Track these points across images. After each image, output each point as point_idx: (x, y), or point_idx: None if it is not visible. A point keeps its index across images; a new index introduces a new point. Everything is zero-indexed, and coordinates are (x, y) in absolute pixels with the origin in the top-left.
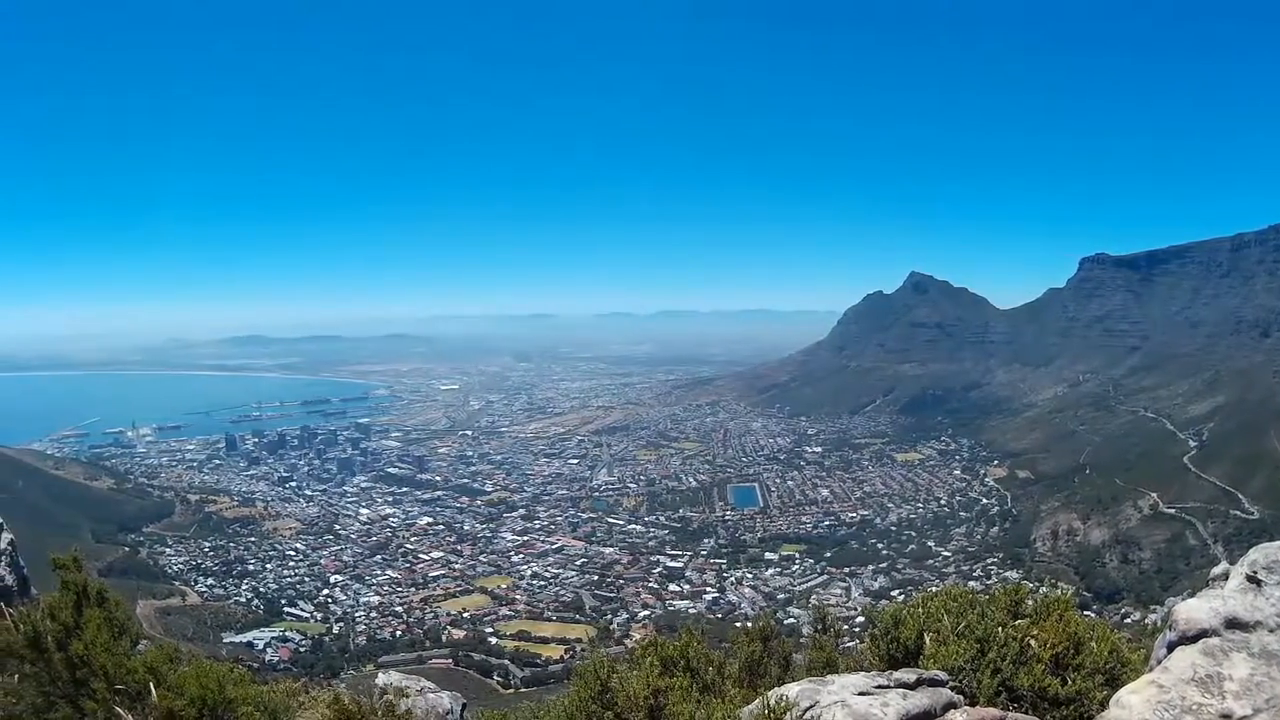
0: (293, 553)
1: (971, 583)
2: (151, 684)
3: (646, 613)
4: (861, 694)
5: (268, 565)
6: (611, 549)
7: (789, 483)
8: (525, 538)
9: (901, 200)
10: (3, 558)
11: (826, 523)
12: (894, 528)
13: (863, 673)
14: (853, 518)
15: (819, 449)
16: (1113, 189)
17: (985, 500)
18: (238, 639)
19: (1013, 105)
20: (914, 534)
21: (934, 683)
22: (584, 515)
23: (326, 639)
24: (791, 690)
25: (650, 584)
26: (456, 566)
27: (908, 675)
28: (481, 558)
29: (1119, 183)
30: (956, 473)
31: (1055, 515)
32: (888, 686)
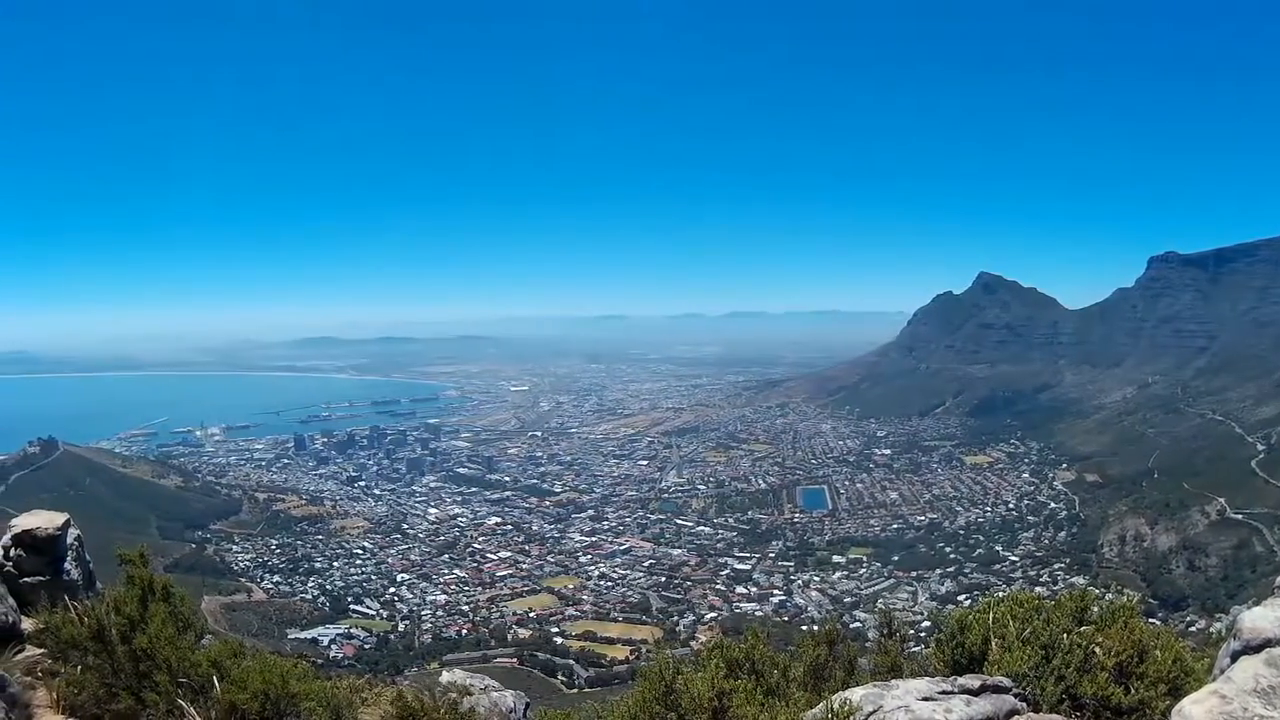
0: (360, 551)
1: (1038, 588)
2: (215, 678)
3: (713, 614)
4: (925, 699)
5: (335, 563)
6: (679, 550)
7: (858, 485)
8: (593, 538)
9: (970, 199)
10: (69, 553)
11: (895, 526)
12: (962, 531)
13: (927, 678)
14: (921, 521)
15: (888, 451)
16: (1183, 185)
17: (1053, 504)
18: (303, 635)
19: (1081, 102)
20: (982, 538)
21: (998, 689)
22: (652, 516)
23: (392, 637)
24: (856, 694)
25: (717, 586)
26: (524, 566)
27: (972, 681)
28: (549, 558)
29: (1189, 179)
30: (1025, 476)
31: (1123, 520)
32: (951, 692)
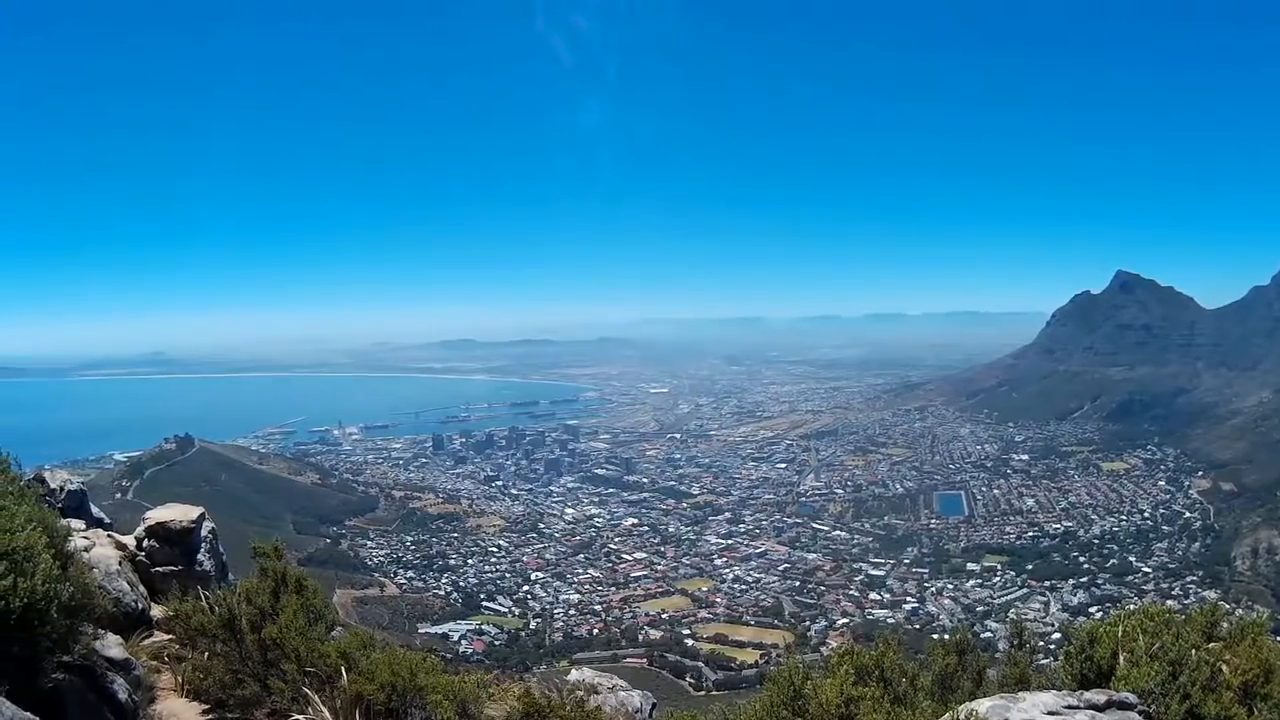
0: (495, 549)
1: (1170, 601)
2: (343, 668)
3: (845, 620)
4: (1050, 713)
5: (469, 560)
6: (814, 555)
7: (994, 491)
8: (729, 541)
9: (1107, 196)
10: (203, 545)
11: (1030, 533)
12: (1096, 541)
13: (1054, 691)
14: (1056, 529)
15: (1025, 456)
16: None
17: (1188, 514)
18: (434, 630)
19: (1216, 97)
20: (1116, 548)
21: (1123, 705)
22: (789, 520)
23: (523, 634)
24: (982, 705)
25: (851, 591)
26: (659, 568)
27: (1098, 696)
28: (684, 560)
29: None
30: (1161, 484)
31: (1256, 531)
32: (1077, 707)
